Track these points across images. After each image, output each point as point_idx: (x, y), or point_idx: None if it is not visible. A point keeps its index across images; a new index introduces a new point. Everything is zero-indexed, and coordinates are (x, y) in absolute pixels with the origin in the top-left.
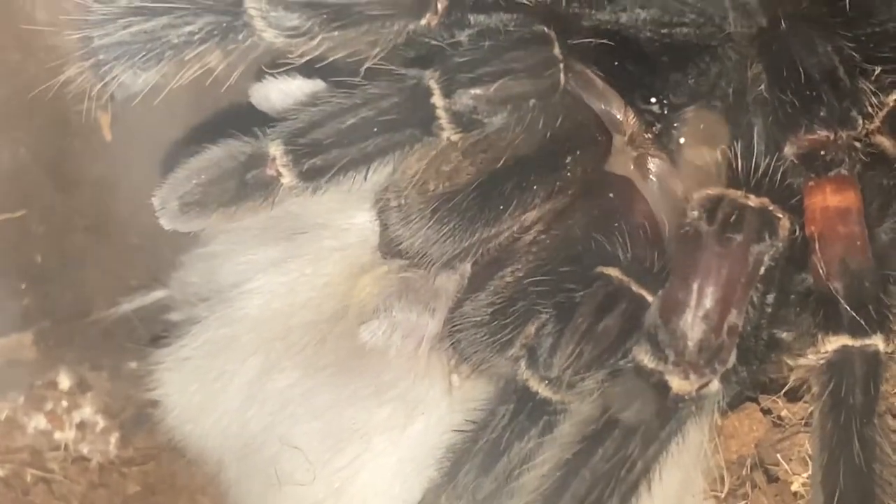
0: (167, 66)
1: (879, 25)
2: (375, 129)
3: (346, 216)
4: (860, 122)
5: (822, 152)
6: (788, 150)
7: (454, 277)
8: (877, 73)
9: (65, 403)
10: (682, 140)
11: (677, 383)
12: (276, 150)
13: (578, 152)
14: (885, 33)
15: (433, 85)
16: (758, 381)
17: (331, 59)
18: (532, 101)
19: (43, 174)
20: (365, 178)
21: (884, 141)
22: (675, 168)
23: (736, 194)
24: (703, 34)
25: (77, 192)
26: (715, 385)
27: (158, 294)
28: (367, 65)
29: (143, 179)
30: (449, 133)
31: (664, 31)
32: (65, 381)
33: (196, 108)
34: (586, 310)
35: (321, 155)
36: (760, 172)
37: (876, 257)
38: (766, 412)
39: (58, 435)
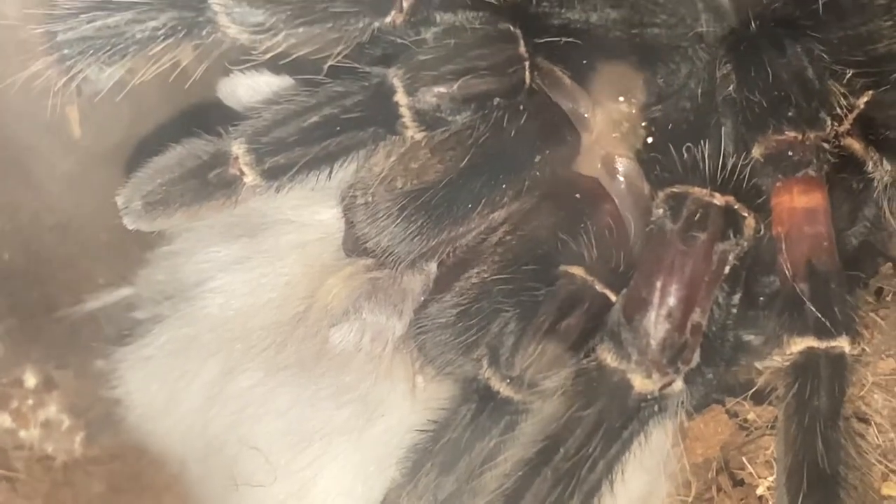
0: (132, 61)
1: (852, 29)
2: (338, 128)
3: (310, 213)
4: (829, 123)
5: (790, 153)
6: (756, 151)
7: (420, 278)
8: (848, 76)
9: (30, 402)
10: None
11: (640, 382)
12: (238, 148)
13: (547, 151)
14: (858, 37)
15: (396, 83)
16: (724, 384)
17: (295, 55)
18: (497, 100)
19: (11, 171)
20: (329, 177)
21: (853, 143)
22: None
23: (701, 192)
24: (673, 34)
25: (45, 190)
26: (678, 385)
27: (125, 292)
28: (330, 62)
29: (110, 176)
30: (413, 131)
31: (634, 31)
32: (30, 380)
33: (164, 103)
34: (548, 308)
35: (284, 153)
36: (727, 171)
37: (844, 260)
38: (733, 415)
39: (23, 433)
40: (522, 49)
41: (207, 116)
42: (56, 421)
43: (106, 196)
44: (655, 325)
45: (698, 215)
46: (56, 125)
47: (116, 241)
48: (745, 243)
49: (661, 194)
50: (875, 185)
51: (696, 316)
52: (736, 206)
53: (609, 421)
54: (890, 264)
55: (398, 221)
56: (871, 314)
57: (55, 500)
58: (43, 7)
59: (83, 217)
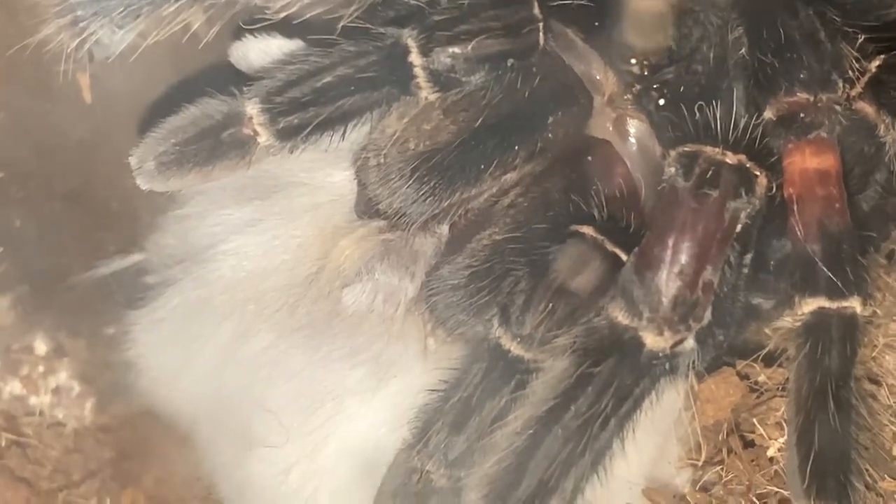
0: (144, 22)
1: None
2: (352, 88)
3: (323, 174)
4: (841, 85)
5: (802, 114)
6: (768, 113)
7: (432, 240)
8: (860, 40)
9: (41, 368)
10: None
11: (651, 339)
12: (252, 108)
13: (560, 113)
14: (870, 1)
15: (411, 43)
16: (735, 346)
17: (308, 15)
18: (511, 61)
19: (22, 138)
20: (343, 138)
21: (865, 107)
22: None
23: (713, 151)
24: None
25: (56, 157)
26: (690, 343)
27: (136, 258)
28: (343, 22)
29: (122, 143)
30: (427, 92)
31: None
32: (41, 347)
33: (176, 68)
34: (559, 266)
35: (298, 113)
36: (739, 131)
37: (856, 223)
38: (743, 377)
39: (33, 400)
40: (537, 10)
41: (220, 80)
42: (66, 388)
43: (117, 163)
44: (667, 282)
45: (710, 173)
46: (67, 92)
47: (128, 208)
48: (758, 202)
49: (672, 153)
50: (887, 149)
51: (708, 274)
52: (748, 165)
53: (620, 378)
54: None
55: (410, 183)
56: (883, 276)
57: (65, 465)
58: None
59: (94, 184)
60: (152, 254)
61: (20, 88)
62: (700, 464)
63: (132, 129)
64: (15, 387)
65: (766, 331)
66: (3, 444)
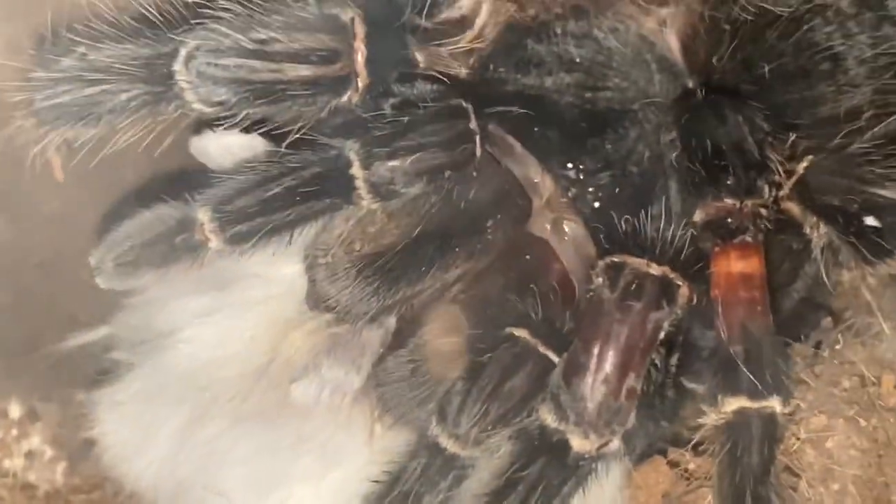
0: (105, 128)
1: (796, 93)
2: (298, 198)
3: (275, 268)
4: (767, 190)
5: (728, 219)
6: (698, 216)
7: (379, 332)
8: (791, 139)
9: (14, 432)
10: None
11: (578, 442)
12: (203, 216)
13: (499, 216)
14: (802, 101)
15: (353, 157)
16: (667, 435)
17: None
18: (448, 173)
19: None
20: (289, 243)
21: (792, 207)
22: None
23: (639, 263)
24: (623, 99)
25: (30, 229)
26: (615, 444)
27: (104, 331)
28: (291, 137)
29: (93, 218)
30: (367, 202)
31: (587, 94)
32: (15, 411)
33: (144, 156)
34: (493, 370)
35: (246, 222)
36: (667, 240)
37: (786, 315)
38: (674, 465)
39: (7, 463)
40: (473, 124)
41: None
42: (39, 451)
43: (88, 236)
44: (592, 389)
45: (634, 285)
46: (40, 169)
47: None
48: (679, 311)
49: (600, 263)
50: (813, 245)
51: (631, 381)
52: (671, 276)
53: (549, 479)
54: (830, 318)
55: (356, 283)
56: (808, 369)
57: None
58: (21, 74)
59: (66, 256)
60: (119, 330)
61: None
62: None
63: (103, 206)
64: None
65: (697, 420)
66: None
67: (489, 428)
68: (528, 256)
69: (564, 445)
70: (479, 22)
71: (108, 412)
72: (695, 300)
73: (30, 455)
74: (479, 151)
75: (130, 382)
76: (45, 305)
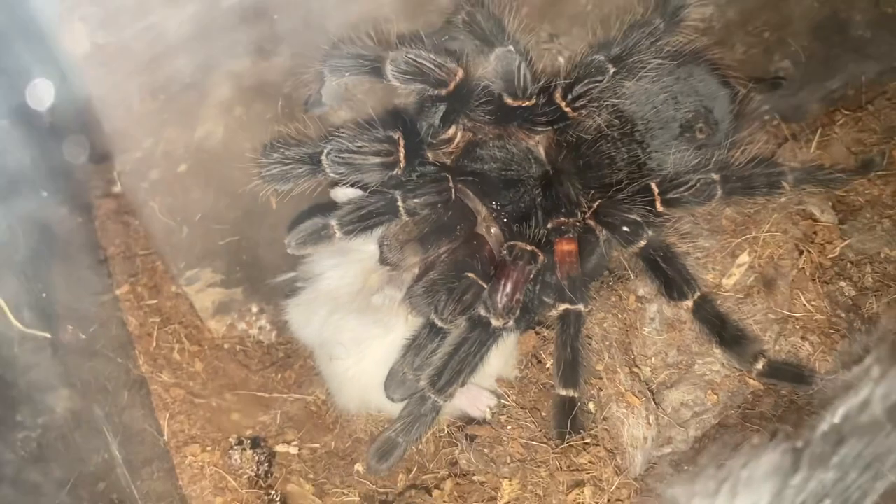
0: (292, 184)
1: (596, 171)
2: (374, 215)
3: (366, 246)
4: (579, 215)
5: (562, 227)
6: (549, 225)
7: (410, 274)
8: (591, 193)
9: (254, 319)
10: (482, 200)
11: (494, 321)
12: (333, 222)
13: (462, 223)
14: (597, 176)
15: (398, 196)
16: (534, 320)
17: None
18: (438, 204)
19: (245, 216)
20: (371, 234)
21: (591, 222)
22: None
23: (523, 245)
24: (518, 173)
25: (258, 226)
26: (511, 324)
27: (292, 274)
28: (370, 189)
29: (287, 219)
30: (404, 217)
31: (503, 172)
32: (254, 308)
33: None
34: (458, 290)
35: (352, 224)
36: (536, 236)
37: (585, 271)
38: (538, 334)
39: (252, 331)
40: (451, 184)
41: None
42: (264, 326)
43: (284, 229)
44: (500, 300)
45: (520, 254)
46: (263, 202)
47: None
48: (539, 265)
49: (506, 245)
50: (601, 242)
51: (518, 296)
52: (537, 251)
53: (482, 336)
54: (607, 272)
55: (400, 252)
56: (596, 291)
57: (266, 364)
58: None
59: (276, 239)
60: (298, 273)
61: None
62: (521, 368)
63: (291, 214)
64: (254, 330)
65: (548, 314)
66: None
67: (457, 315)
68: (475, 242)
69: (489, 323)
70: (455, 140)
71: (293, 309)
72: (547, 261)
73: (261, 329)
74: (453, 195)
75: (301, 296)
76: (268, 262)
